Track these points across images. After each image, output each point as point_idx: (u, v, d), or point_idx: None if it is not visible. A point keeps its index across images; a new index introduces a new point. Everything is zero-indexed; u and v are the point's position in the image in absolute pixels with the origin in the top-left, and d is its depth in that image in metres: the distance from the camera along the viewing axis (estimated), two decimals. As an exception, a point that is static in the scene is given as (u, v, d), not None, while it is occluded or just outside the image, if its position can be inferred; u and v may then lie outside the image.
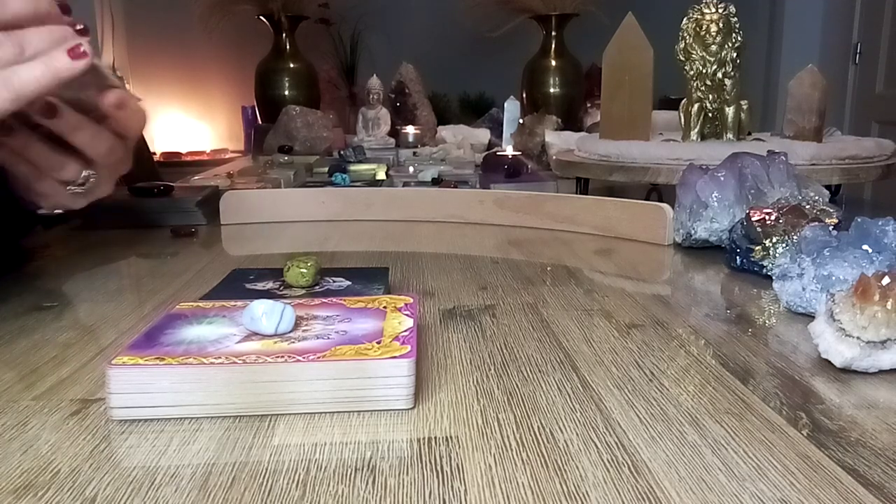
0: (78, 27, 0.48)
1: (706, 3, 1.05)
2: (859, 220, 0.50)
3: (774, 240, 0.61)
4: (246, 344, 0.39)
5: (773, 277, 0.55)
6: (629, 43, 1.13)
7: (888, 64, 2.77)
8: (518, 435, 0.34)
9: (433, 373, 0.42)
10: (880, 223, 0.50)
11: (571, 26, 2.37)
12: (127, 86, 2.75)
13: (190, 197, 0.94)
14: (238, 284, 0.56)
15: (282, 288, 0.55)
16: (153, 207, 0.92)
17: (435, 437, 0.34)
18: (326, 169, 1.35)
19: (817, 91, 1.09)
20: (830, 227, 0.54)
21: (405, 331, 0.40)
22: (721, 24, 1.05)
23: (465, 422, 0.35)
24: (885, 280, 0.40)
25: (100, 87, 0.51)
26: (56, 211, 0.56)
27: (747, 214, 0.64)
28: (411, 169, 1.41)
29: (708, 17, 1.05)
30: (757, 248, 0.62)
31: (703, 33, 1.05)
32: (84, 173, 0.53)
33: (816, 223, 0.56)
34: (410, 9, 3.22)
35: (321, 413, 0.36)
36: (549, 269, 0.68)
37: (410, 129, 1.98)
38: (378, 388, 0.36)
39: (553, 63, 2.34)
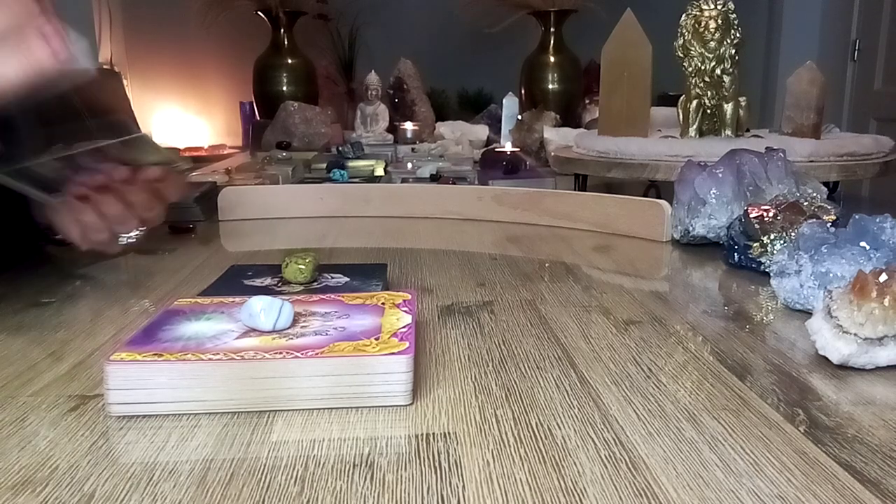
0: (55, 22, 0.49)
1: (705, -1, 1.05)
2: (857, 217, 0.50)
3: (772, 236, 0.61)
4: (244, 340, 0.39)
5: (771, 274, 0.55)
6: (628, 39, 1.13)
7: (887, 61, 2.77)
8: (516, 431, 0.34)
9: (431, 369, 0.42)
10: (878, 220, 0.50)
11: (570, 22, 2.36)
12: (125, 82, 2.74)
13: (188, 193, 0.94)
14: (236, 281, 0.56)
15: (280, 284, 0.55)
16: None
17: (433, 433, 0.34)
18: (325, 165, 1.35)
19: (816, 88, 1.09)
20: (828, 224, 0.54)
21: (403, 327, 0.40)
22: (720, 21, 1.04)
23: (463, 418, 0.36)
24: (883, 277, 0.41)
25: (153, 157, 0.61)
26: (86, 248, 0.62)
27: (745, 211, 0.64)
28: (410, 165, 1.41)
29: (707, 14, 1.05)
30: (755, 244, 0.62)
31: (701, 30, 1.05)
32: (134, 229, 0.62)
33: (814, 220, 0.56)
34: (409, 5, 3.21)
35: (319, 409, 0.36)
36: (547, 265, 0.68)
37: (409, 126, 1.98)
38: (376, 384, 0.36)
39: (552, 59, 2.34)
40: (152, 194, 0.62)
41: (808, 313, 0.48)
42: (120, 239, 0.62)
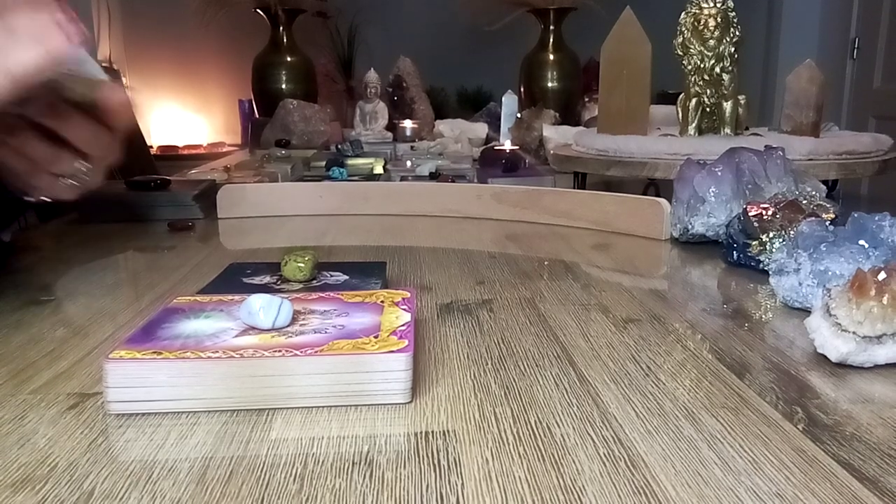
0: (69, 11, 0.48)
1: (704, -3, 1.05)
2: (856, 215, 0.51)
3: (771, 235, 0.61)
4: (243, 338, 0.39)
5: (770, 272, 0.55)
6: (627, 37, 1.13)
7: (886, 59, 2.77)
8: (515, 429, 0.34)
9: (430, 367, 0.42)
10: (877, 218, 0.50)
11: (569, 20, 2.36)
12: (124, 80, 2.74)
13: (187, 191, 0.94)
14: (235, 279, 0.56)
15: (279, 282, 0.55)
16: (150, 201, 0.92)
17: (432, 432, 0.34)
18: (324, 163, 1.35)
19: (815, 86, 1.09)
20: (827, 223, 0.54)
21: (402, 325, 0.40)
22: (719, 19, 1.05)
23: (462, 416, 0.36)
24: (881, 275, 0.41)
25: (87, 82, 0.51)
26: (43, 198, 0.56)
27: (744, 209, 0.64)
28: (409, 163, 1.41)
29: (706, 12, 1.05)
30: (754, 243, 0.62)
31: (701, 28, 1.05)
32: (76, 165, 0.54)
33: (813, 218, 0.57)
34: (408, 2, 3.21)
35: (319, 407, 0.36)
36: (546, 263, 0.68)
37: (408, 124, 1.98)
38: (375, 382, 0.36)
39: (551, 57, 2.34)
40: (91, 123, 0.52)
41: (806, 311, 0.48)
42: (68, 181, 0.54)
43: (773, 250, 0.60)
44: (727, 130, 1.10)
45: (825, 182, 0.87)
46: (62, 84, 0.50)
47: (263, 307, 0.40)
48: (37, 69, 0.46)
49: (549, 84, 2.33)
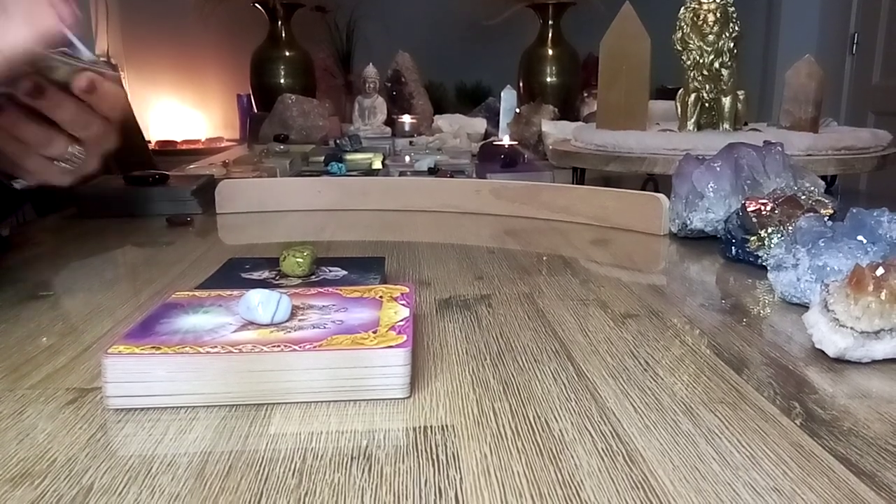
0: None
1: (704, -8, 1.05)
2: (854, 210, 0.51)
3: (770, 230, 0.61)
4: (242, 333, 0.39)
5: (768, 268, 0.55)
6: (626, 32, 1.13)
7: (885, 54, 2.77)
8: (513, 424, 0.34)
9: (429, 362, 0.42)
10: (875, 214, 0.50)
11: (569, 15, 2.36)
12: (122, 74, 2.73)
13: (185, 186, 0.94)
14: (234, 274, 0.56)
15: (278, 277, 0.55)
16: (148, 196, 0.92)
17: (431, 426, 0.34)
18: (322, 158, 1.35)
19: (814, 81, 1.09)
20: (826, 218, 0.54)
21: (401, 320, 0.40)
22: (718, 14, 1.04)
23: (460, 411, 0.36)
24: (880, 271, 0.41)
25: (74, 67, 0.51)
26: (33, 184, 0.56)
27: (743, 205, 0.64)
28: (407, 158, 1.40)
29: (705, 7, 1.05)
30: (752, 238, 0.62)
31: (700, 23, 1.05)
32: (70, 149, 0.54)
33: (812, 214, 0.57)
34: (407, -3, 3.21)
35: (317, 402, 0.36)
36: (544, 258, 0.68)
37: (407, 119, 1.98)
38: (374, 377, 0.36)
39: (550, 52, 2.34)
40: (82, 107, 0.52)
41: (804, 307, 0.48)
42: (61, 164, 0.53)
43: (772, 246, 0.60)
44: (726, 126, 1.10)
45: (824, 177, 0.87)
46: (47, 64, 0.50)
47: (262, 302, 0.40)
48: (28, 49, 0.45)
49: (548, 79, 2.33)
